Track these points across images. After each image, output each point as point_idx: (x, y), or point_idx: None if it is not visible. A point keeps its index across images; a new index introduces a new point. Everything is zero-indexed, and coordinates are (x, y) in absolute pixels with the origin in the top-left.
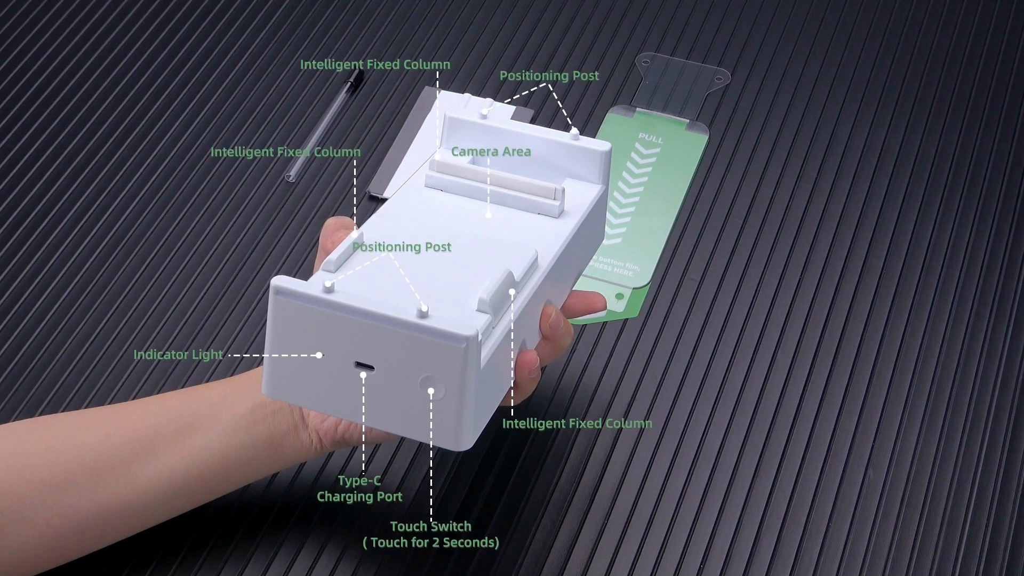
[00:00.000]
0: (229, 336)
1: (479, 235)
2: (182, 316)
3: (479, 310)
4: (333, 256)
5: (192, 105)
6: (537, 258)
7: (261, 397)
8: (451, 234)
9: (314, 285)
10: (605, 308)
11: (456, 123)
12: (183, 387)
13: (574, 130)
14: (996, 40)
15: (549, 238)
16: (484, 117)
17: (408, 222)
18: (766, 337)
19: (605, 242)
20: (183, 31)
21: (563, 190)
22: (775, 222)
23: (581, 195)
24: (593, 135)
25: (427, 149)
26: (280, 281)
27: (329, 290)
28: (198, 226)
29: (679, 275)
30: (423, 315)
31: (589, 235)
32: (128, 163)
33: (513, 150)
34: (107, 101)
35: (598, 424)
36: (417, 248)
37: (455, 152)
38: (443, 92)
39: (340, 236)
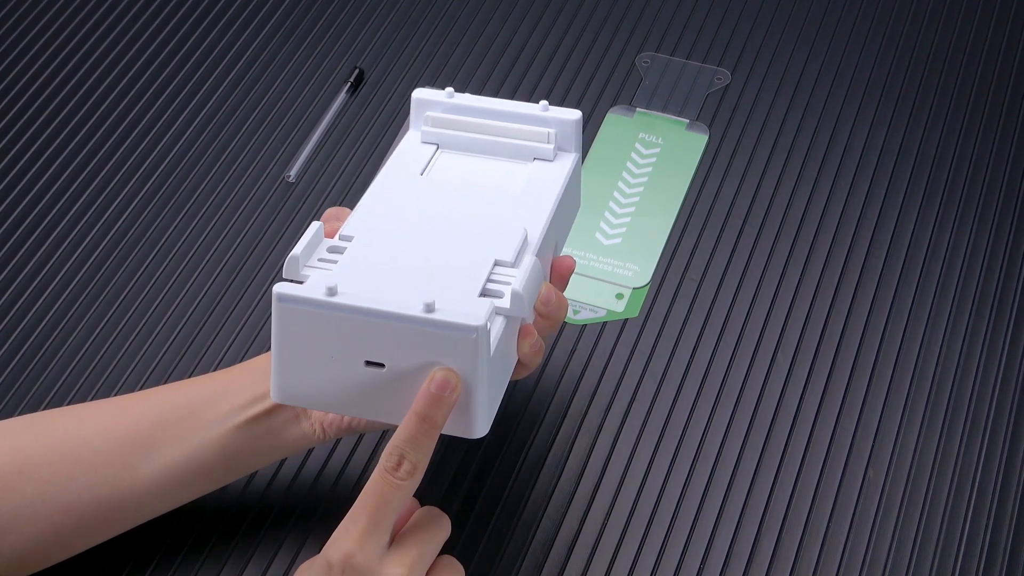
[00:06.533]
0: (230, 336)
1: (466, 216)
2: (182, 316)
3: (482, 295)
4: (297, 250)
5: (192, 105)
6: (527, 236)
7: (260, 388)
8: (438, 217)
9: (316, 288)
10: (575, 264)
11: (424, 103)
12: None
13: (543, 102)
14: (996, 40)
15: (534, 213)
16: (452, 96)
17: (398, 204)
18: (766, 337)
19: (605, 242)
20: (183, 31)
21: (555, 133)
22: (775, 222)
23: (557, 166)
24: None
25: None
26: (282, 288)
27: (332, 292)
28: (198, 226)
29: (679, 275)
30: (430, 308)
31: (569, 204)
32: (128, 163)
33: (483, 125)
34: (107, 101)
35: (598, 424)
36: (406, 235)
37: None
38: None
39: (333, 227)
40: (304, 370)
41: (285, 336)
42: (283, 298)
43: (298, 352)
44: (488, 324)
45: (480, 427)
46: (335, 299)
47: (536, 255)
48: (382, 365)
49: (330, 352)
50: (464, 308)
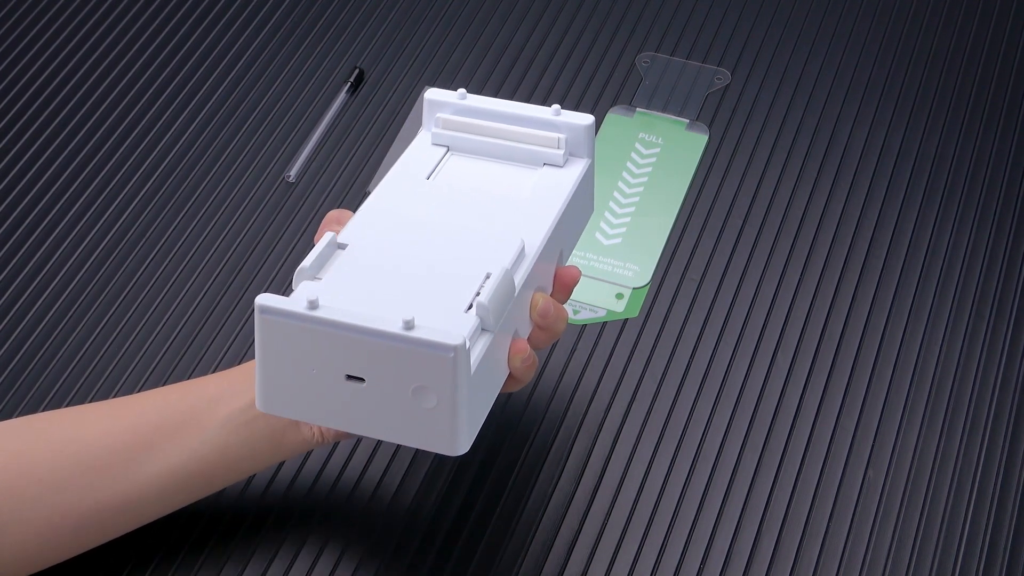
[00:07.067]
0: (230, 336)
1: (465, 225)
2: (182, 316)
3: (470, 309)
4: (307, 263)
5: (192, 105)
6: (524, 248)
7: None
8: (437, 226)
9: (298, 301)
10: (580, 274)
11: (436, 104)
12: None
13: (556, 106)
14: (996, 40)
15: (537, 222)
16: (464, 97)
17: (399, 210)
18: (766, 337)
19: (605, 242)
20: (183, 31)
21: (565, 138)
22: (775, 222)
23: (566, 173)
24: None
25: None
26: (264, 300)
27: (313, 305)
28: (198, 226)
29: (679, 275)
30: (409, 326)
31: (578, 211)
32: (128, 163)
33: (494, 128)
34: (107, 101)
35: (598, 424)
36: (402, 244)
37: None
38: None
39: (333, 231)
40: (287, 381)
41: (268, 347)
42: (264, 310)
43: (281, 363)
44: (468, 342)
45: (461, 445)
46: (315, 312)
47: (534, 266)
48: (363, 380)
49: (311, 365)
50: (446, 324)
